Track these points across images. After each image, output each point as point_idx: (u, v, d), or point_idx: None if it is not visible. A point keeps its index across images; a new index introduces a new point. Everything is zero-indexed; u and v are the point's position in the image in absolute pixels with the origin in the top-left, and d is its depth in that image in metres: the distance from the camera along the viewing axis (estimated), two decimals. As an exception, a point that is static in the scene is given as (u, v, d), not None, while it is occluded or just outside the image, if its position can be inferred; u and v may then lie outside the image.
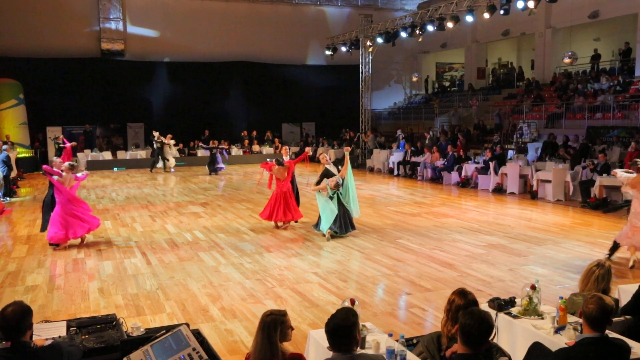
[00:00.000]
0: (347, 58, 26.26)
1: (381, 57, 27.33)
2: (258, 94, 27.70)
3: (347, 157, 9.75)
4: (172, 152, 22.02)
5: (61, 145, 20.48)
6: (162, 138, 21.12)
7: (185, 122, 26.39)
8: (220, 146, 21.94)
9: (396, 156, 20.17)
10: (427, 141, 20.54)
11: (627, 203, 9.46)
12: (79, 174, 9.41)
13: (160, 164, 21.63)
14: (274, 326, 3.06)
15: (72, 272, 7.59)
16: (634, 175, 7.66)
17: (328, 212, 9.34)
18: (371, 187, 16.64)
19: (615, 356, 3.21)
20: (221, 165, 21.30)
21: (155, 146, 21.65)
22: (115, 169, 22.74)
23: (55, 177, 8.89)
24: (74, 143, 19.30)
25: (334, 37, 25.59)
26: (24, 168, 20.45)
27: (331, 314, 3.05)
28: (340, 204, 9.40)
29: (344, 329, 2.96)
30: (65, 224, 8.81)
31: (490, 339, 3.08)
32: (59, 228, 8.80)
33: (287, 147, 12.07)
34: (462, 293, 3.58)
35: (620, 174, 7.93)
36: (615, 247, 7.93)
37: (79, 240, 9.17)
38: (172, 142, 21.72)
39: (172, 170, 21.49)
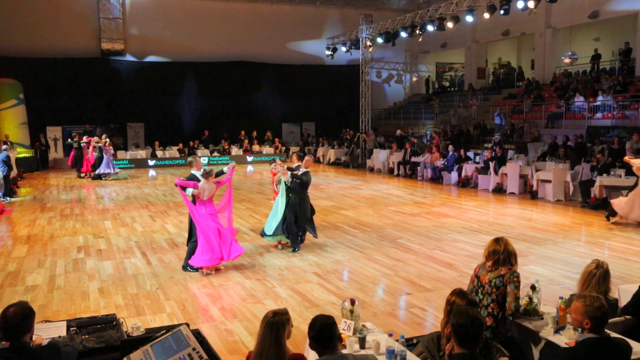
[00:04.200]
0: (347, 58, 26.33)
1: (381, 57, 27.32)
2: (258, 94, 27.71)
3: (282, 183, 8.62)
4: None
5: (81, 143, 20.20)
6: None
7: (185, 122, 26.52)
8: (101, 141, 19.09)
9: (396, 156, 20.14)
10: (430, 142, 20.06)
11: None
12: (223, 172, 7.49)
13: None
14: (283, 326, 3.06)
15: (72, 272, 7.59)
16: None
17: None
18: (371, 187, 16.63)
19: (618, 355, 3.20)
20: (109, 169, 18.57)
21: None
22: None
23: (190, 191, 7.17)
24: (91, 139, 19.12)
25: (333, 37, 25.59)
26: (24, 168, 20.44)
27: (311, 321, 3.09)
28: (288, 208, 8.60)
29: (328, 327, 3.03)
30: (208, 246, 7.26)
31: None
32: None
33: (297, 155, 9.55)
34: (461, 293, 3.58)
35: (634, 160, 9.83)
36: (613, 213, 10.41)
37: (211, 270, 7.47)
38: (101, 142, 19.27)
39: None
